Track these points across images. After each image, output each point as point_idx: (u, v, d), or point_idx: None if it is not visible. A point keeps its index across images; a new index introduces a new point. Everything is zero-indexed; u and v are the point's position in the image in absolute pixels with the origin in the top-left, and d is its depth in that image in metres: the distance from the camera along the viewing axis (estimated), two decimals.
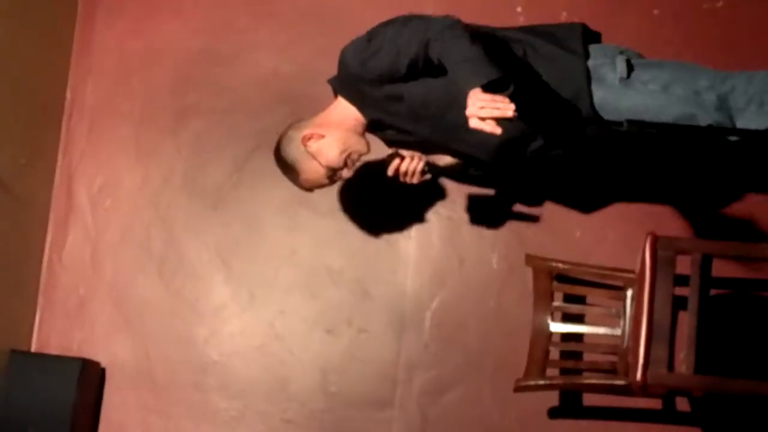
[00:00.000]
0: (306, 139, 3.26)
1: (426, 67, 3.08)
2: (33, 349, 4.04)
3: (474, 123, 2.79)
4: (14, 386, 3.75)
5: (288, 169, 3.34)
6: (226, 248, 4.04)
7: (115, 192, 4.14)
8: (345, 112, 3.29)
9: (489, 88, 2.85)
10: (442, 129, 3.24)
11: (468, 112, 2.80)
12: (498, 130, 2.77)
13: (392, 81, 3.15)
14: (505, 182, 3.81)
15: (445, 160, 3.47)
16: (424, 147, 3.40)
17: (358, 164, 3.36)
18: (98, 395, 3.98)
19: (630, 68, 3.16)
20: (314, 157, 3.26)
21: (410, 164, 3.31)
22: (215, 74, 4.12)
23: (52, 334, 4.06)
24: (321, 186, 3.38)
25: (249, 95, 4.10)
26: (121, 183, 4.14)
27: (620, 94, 3.14)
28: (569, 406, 3.81)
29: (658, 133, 3.04)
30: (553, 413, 3.80)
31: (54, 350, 4.01)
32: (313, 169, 3.28)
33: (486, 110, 2.77)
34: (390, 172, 3.34)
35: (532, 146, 3.26)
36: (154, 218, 4.10)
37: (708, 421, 3.74)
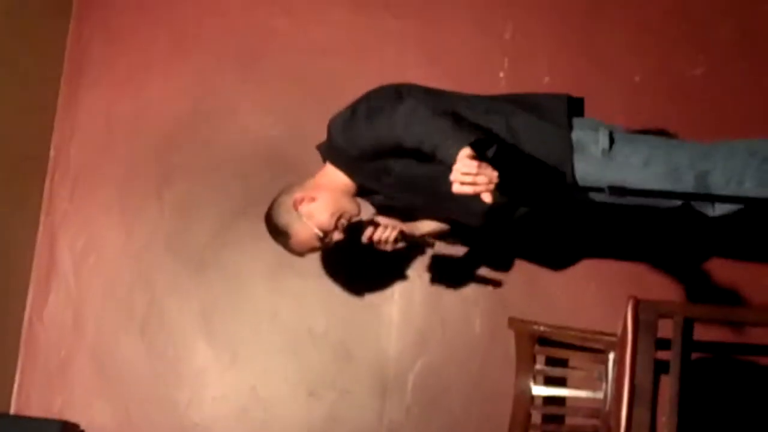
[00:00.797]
0: (297, 203, 3.28)
1: (407, 151, 3.11)
2: (12, 410, 4.01)
3: (456, 188, 2.81)
4: None
5: (279, 233, 3.34)
6: (208, 309, 4.04)
7: (97, 252, 4.14)
8: (335, 176, 3.31)
9: (475, 147, 2.87)
10: (433, 199, 3.26)
11: (452, 177, 2.82)
12: (487, 198, 2.80)
13: (378, 157, 3.17)
14: (488, 244, 3.83)
15: (424, 227, 3.51)
16: (412, 212, 3.43)
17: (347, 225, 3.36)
18: None
19: (612, 141, 3.19)
20: (306, 220, 3.28)
21: (384, 233, 3.37)
22: (201, 135, 4.14)
23: (32, 396, 4.04)
24: (312, 250, 3.39)
25: (235, 157, 4.11)
26: (104, 243, 4.14)
27: (602, 166, 3.16)
28: None
29: (638, 203, 3.09)
30: None
31: (34, 412, 3.99)
32: (304, 232, 3.29)
33: (470, 177, 2.79)
34: (364, 239, 3.40)
35: (519, 211, 3.28)
36: (136, 279, 4.10)
37: None
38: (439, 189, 3.11)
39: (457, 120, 2.99)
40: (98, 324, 4.08)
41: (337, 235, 3.31)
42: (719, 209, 3.19)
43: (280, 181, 3.90)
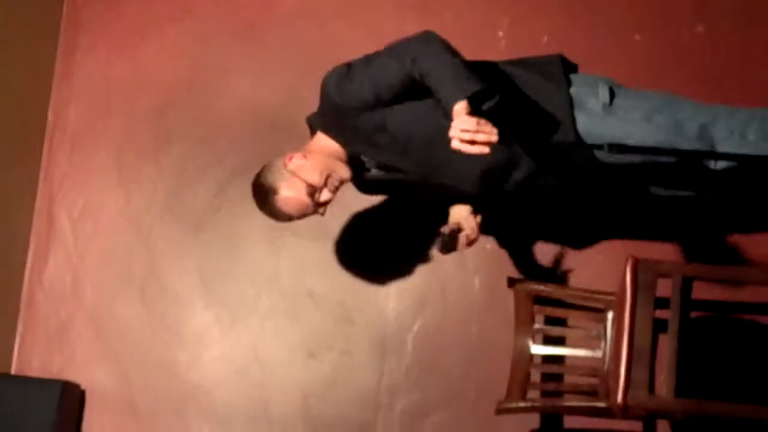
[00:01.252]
0: (288, 159, 3.24)
1: (410, 90, 3.09)
2: (13, 371, 4.02)
3: (455, 144, 2.81)
4: None
5: (266, 191, 3.24)
6: (207, 273, 4.04)
7: (96, 216, 4.14)
8: (326, 143, 3.27)
9: (474, 100, 2.86)
10: (427, 163, 3.22)
11: (451, 133, 2.81)
12: (486, 150, 2.79)
13: (374, 108, 3.13)
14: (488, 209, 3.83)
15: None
16: (406, 187, 3.39)
17: (338, 188, 3.27)
18: (78, 418, 3.96)
19: (612, 95, 3.18)
20: (295, 175, 3.20)
21: (472, 234, 3.26)
22: (197, 100, 4.13)
23: (33, 357, 4.05)
24: (299, 210, 3.24)
25: (231, 121, 4.11)
26: (103, 207, 4.14)
27: (603, 120, 3.15)
28: (550, 428, 3.81)
29: (641, 160, 3.07)
30: None
31: (34, 373, 4.00)
32: (292, 188, 3.21)
33: (469, 134, 2.79)
34: (460, 247, 3.23)
35: (514, 175, 3.25)
36: (135, 242, 4.10)
37: None
38: (434, 151, 3.11)
39: (468, 65, 2.96)
40: (97, 286, 4.09)
41: (327, 194, 3.21)
42: (721, 163, 3.17)
43: (278, 144, 3.93)
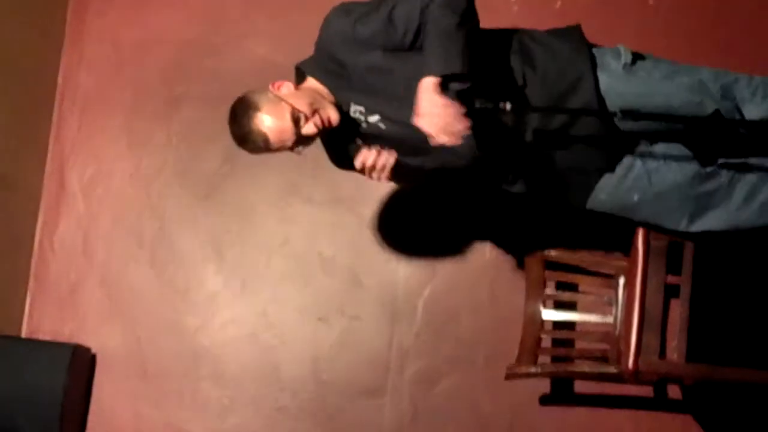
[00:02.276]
0: (276, 86, 3.04)
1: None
2: (23, 334, 4.03)
3: (433, 139, 2.79)
4: (4, 371, 3.74)
5: (245, 107, 2.99)
6: (217, 237, 4.04)
7: (106, 180, 4.14)
8: (317, 86, 3.09)
9: (448, 79, 2.82)
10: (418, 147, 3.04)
11: (417, 121, 2.80)
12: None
13: (383, 46, 2.99)
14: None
15: None
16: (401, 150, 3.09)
17: (324, 128, 3.00)
18: (89, 382, 3.97)
19: (633, 57, 3.13)
20: (282, 100, 2.96)
21: (380, 159, 2.91)
22: (207, 63, 4.11)
23: (43, 321, 4.06)
24: (280, 134, 2.95)
25: (241, 84, 3.94)
26: (113, 171, 4.14)
27: (625, 80, 3.09)
28: (561, 394, 3.82)
29: (656, 127, 3.06)
30: (545, 401, 3.82)
31: (45, 336, 4.01)
32: (277, 112, 2.94)
33: (437, 120, 2.77)
34: (357, 164, 2.95)
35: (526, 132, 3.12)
36: (145, 207, 4.10)
37: (699, 409, 3.77)
38: None
39: (471, 36, 2.91)
40: (108, 251, 4.09)
41: (311, 127, 2.94)
42: (748, 113, 3.12)
43: None
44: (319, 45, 3.09)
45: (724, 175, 3.15)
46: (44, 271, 4.10)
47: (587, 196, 3.18)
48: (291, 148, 2.99)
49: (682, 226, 3.17)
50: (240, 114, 3.01)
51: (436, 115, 2.78)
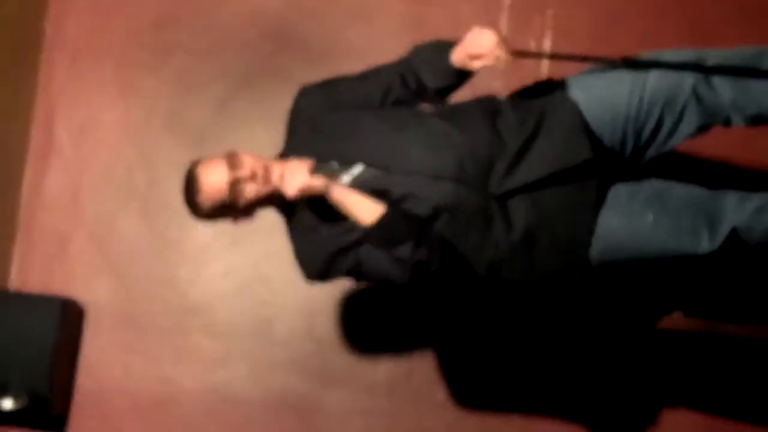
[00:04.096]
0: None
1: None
2: (12, 288, 3.97)
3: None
4: None
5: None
6: None
7: (96, 130, 4.07)
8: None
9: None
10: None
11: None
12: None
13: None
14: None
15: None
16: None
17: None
18: (78, 336, 3.92)
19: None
20: (235, 155, 2.89)
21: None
22: (199, 10, 4.05)
23: (32, 274, 3.99)
24: (211, 185, 2.84)
25: (234, 32, 4.04)
26: (102, 121, 4.06)
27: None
28: None
29: None
30: None
31: (33, 290, 3.95)
32: (215, 162, 2.88)
33: None
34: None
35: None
36: (136, 157, 4.03)
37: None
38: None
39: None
40: (97, 202, 4.03)
41: (251, 188, 2.84)
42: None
43: (280, 54, 3.91)
44: (290, 125, 3.02)
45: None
46: (32, 224, 4.03)
47: (591, 232, 2.90)
48: (230, 210, 2.88)
49: (705, 244, 2.87)
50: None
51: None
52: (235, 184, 2.80)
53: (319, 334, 3.88)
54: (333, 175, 2.84)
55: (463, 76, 2.86)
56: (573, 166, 2.82)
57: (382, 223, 2.73)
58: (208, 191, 2.82)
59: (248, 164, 2.82)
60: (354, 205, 2.77)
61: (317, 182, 2.78)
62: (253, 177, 2.81)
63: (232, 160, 2.81)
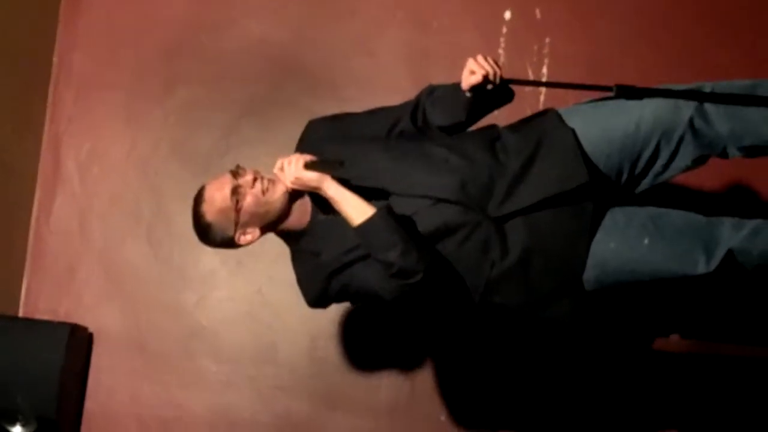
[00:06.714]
0: None
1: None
2: (20, 314, 4.03)
3: None
4: (2, 351, 3.72)
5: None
6: None
7: (103, 159, 4.12)
8: None
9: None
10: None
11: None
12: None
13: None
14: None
15: None
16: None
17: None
18: (86, 361, 3.97)
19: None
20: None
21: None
22: (204, 41, 4.10)
23: (40, 300, 4.05)
24: (215, 195, 2.91)
25: (238, 62, 4.07)
26: (109, 150, 4.12)
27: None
28: None
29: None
30: None
31: (42, 316, 4.00)
32: (220, 181, 2.92)
33: None
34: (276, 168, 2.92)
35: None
36: (142, 185, 4.09)
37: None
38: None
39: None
40: (105, 229, 4.08)
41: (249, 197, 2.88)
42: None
43: (285, 84, 3.94)
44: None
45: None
46: (41, 251, 4.09)
47: (586, 256, 2.94)
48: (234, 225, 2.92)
49: (701, 266, 2.90)
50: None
51: None
52: (237, 189, 2.86)
53: (322, 356, 3.92)
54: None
55: (472, 114, 2.95)
56: (570, 190, 2.88)
57: (371, 223, 2.80)
58: (211, 197, 2.89)
59: (251, 171, 2.89)
60: (347, 203, 2.84)
61: (311, 176, 2.84)
62: (255, 179, 2.88)
63: (236, 170, 2.90)
